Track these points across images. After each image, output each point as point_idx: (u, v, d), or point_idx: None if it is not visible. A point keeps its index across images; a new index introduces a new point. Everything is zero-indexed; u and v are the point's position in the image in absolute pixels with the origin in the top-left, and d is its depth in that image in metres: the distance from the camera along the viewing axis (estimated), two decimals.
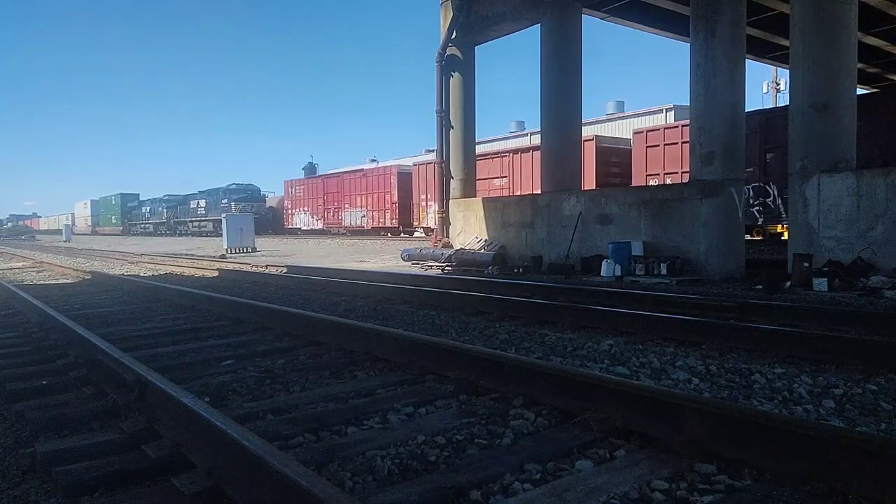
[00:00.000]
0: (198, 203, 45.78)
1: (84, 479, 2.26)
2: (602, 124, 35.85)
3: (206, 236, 41.04)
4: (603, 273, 10.38)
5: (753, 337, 4.51)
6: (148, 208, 55.68)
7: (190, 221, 46.72)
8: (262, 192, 43.73)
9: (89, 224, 69.97)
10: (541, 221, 12.85)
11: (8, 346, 4.94)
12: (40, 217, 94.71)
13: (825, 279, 7.91)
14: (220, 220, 37.96)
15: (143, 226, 56.07)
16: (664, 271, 9.74)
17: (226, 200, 41.14)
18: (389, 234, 31.13)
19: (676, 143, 18.91)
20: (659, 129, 20.04)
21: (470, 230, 14.74)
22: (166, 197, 52.79)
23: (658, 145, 19.40)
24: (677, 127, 19.33)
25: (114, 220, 62.96)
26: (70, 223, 72.55)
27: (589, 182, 20.27)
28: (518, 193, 22.85)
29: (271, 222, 41.31)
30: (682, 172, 17.98)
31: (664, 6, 13.81)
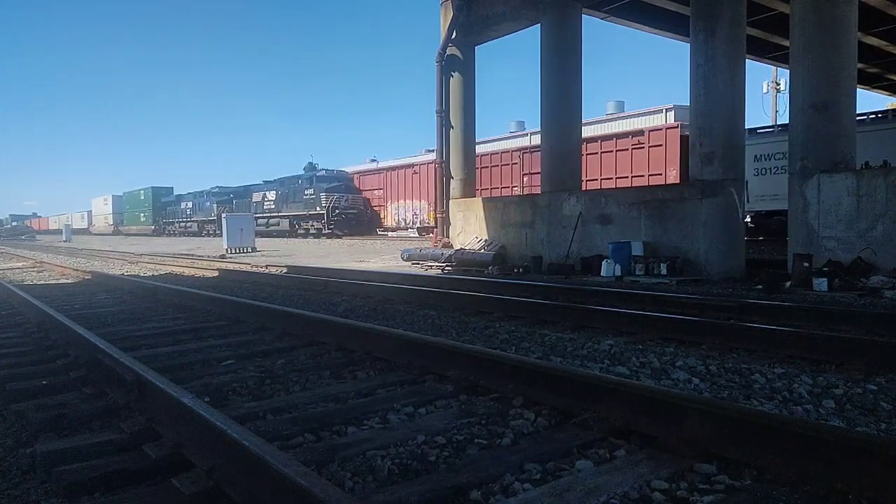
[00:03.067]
0: (263, 196, 36.41)
1: (84, 479, 2.26)
2: (602, 124, 35.84)
3: (276, 237, 32.36)
4: (603, 273, 10.38)
5: (753, 337, 4.52)
6: (190, 203, 45.61)
7: (255, 219, 39.12)
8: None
9: (110, 223, 60.13)
10: (541, 221, 12.85)
11: (8, 345, 4.94)
12: (42, 216, 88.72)
13: (825, 279, 7.91)
14: (300, 217, 31.60)
15: (182, 224, 46.03)
16: (664, 271, 9.74)
17: (311, 191, 31.76)
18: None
19: (508, 165, 24.72)
20: (487, 155, 25.33)
21: (470, 230, 14.74)
22: (216, 189, 42.78)
23: (487, 167, 24.51)
24: (508, 152, 25.22)
25: (143, 219, 53.24)
26: (74, 222, 69.37)
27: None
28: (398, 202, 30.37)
29: (371, 219, 32.16)
30: (512, 187, 24.14)
31: (664, 6, 13.81)
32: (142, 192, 54.38)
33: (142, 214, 54.00)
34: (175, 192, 51.13)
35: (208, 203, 42.59)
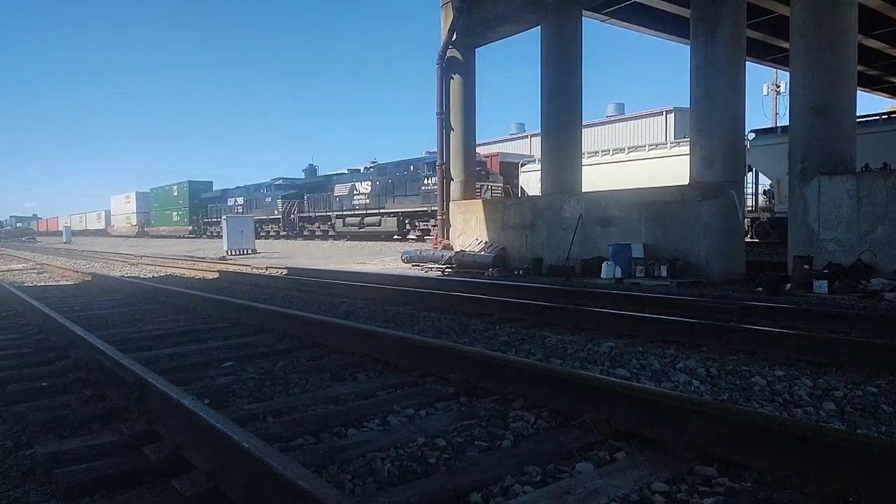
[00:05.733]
0: (352, 188, 28.77)
1: (84, 480, 2.26)
2: (602, 126, 35.86)
3: (371, 240, 25.73)
4: (603, 275, 10.38)
5: (754, 339, 4.51)
6: (240, 199, 37.97)
7: (337, 217, 29.60)
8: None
9: (134, 223, 53.51)
10: (541, 223, 12.85)
11: (8, 347, 4.94)
12: (43, 217, 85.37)
13: (825, 281, 7.91)
14: (416, 215, 24.62)
15: None
16: (664, 273, 9.74)
17: (435, 179, 22.73)
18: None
19: None
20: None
21: (470, 232, 14.74)
22: (281, 181, 35.60)
23: None
24: None
25: (176, 218, 45.74)
26: (89, 223, 64.06)
27: None
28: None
29: None
30: None
31: (664, 8, 13.83)
32: (175, 187, 46.71)
33: (175, 213, 46.21)
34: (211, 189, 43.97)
35: (269, 198, 35.29)
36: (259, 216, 35.04)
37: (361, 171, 30.03)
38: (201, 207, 42.85)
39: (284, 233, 33.13)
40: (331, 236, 29.90)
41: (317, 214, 31.76)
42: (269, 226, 34.83)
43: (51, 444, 2.66)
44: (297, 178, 35.79)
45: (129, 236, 50.92)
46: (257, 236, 34.19)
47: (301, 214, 32.81)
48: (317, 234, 31.35)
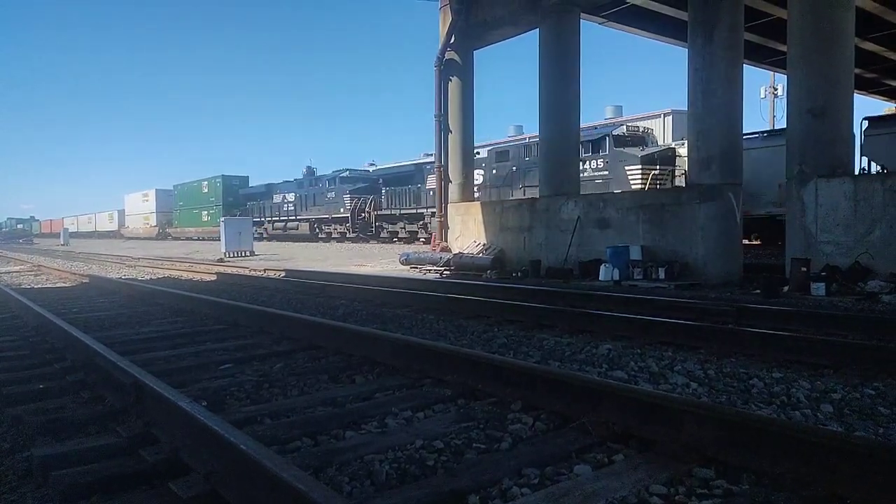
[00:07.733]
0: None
1: (81, 483, 2.25)
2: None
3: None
4: (601, 277, 10.38)
5: (751, 341, 4.52)
6: (290, 196, 32.49)
7: (432, 215, 21.77)
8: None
9: (153, 224, 48.17)
10: (539, 225, 12.85)
11: (5, 349, 4.92)
12: (43, 219, 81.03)
13: (823, 283, 7.91)
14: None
15: (281, 223, 33.13)
16: (662, 275, 9.74)
17: (604, 160, 18.36)
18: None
19: None
20: None
21: (468, 234, 14.74)
22: (347, 173, 29.45)
23: None
24: None
25: (206, 218, 39.43)
26: (99, 224, 60.22)
27: None
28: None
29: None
30: None
31: (662, 11, 13.85)
32: (205, 182, 41.00)
33: (205, 212, 40.12)
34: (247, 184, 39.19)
35: (331, 193, 29.03)
36: (318, 215, 29.54)
37: (487, 152, 23.83)
38: (237, 206, 37.43)
39: (353, 234, 27.45)
40: (420, 239, 24.00)
41: (402, 212, 25.27)
42: (332, 226, 28.88)
43: (48, 447, 2.65)
44: (369, 170, 30.28)
45: (148, 238, 46.31)
46: (315, 238, 29.90)
47: (378, 212, 26.79)
48: (400, 235, 25.32)
